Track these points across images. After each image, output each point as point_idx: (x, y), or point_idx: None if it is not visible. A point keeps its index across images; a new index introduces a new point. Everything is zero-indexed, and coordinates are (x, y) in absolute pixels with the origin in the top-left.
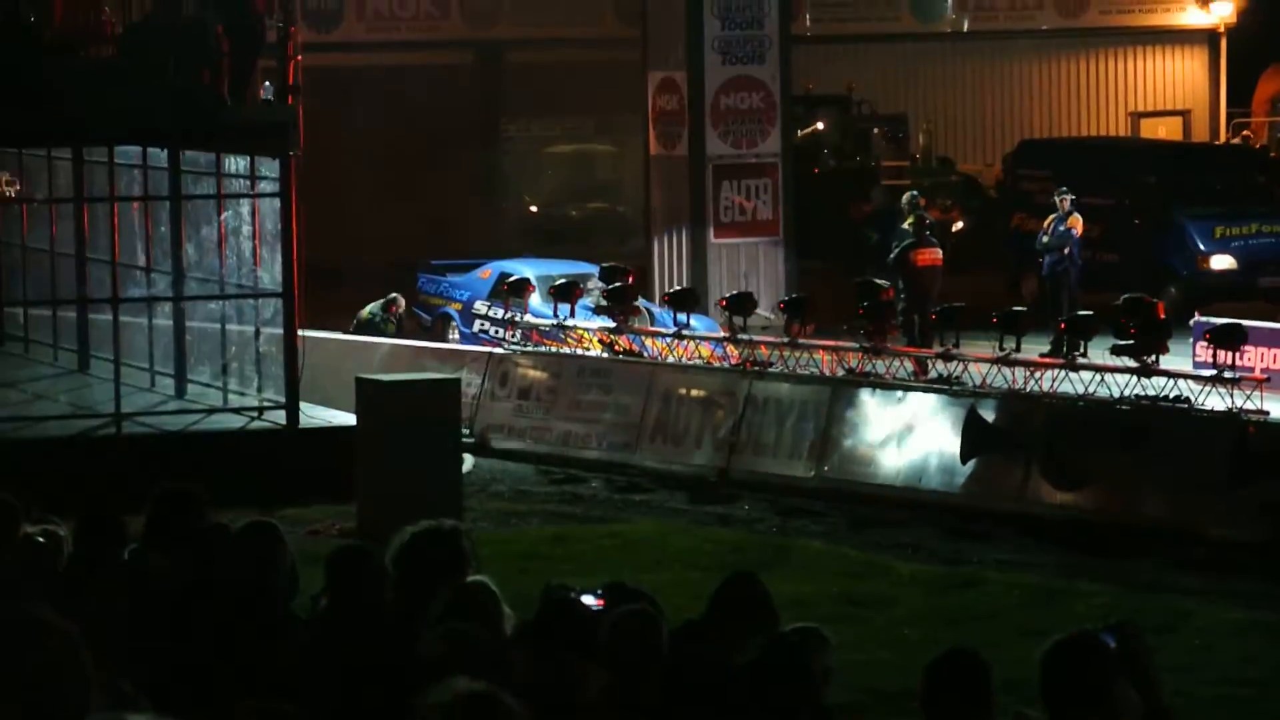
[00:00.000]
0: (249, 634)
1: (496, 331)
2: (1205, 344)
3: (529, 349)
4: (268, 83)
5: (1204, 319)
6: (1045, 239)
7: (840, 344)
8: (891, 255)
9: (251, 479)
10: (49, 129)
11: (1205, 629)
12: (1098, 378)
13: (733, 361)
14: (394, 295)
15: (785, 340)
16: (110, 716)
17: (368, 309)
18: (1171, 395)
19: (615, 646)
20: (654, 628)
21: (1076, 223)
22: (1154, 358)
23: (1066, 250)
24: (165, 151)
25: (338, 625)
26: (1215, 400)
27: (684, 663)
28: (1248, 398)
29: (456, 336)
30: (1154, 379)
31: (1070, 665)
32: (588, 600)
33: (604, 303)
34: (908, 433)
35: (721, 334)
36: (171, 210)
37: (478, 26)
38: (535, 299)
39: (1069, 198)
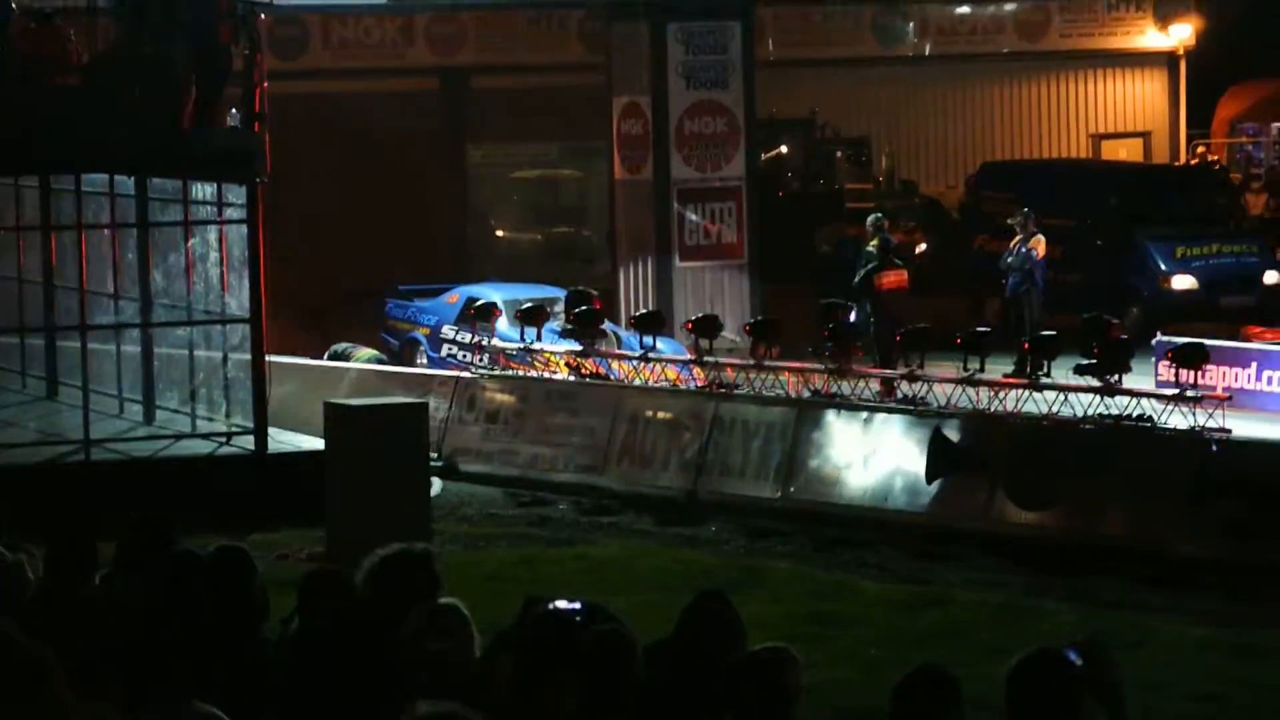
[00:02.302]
0: (220, 658)
1: (464, 356)
2: (1168, 363)
3: (496, 373)
4: (234, 110)
5: (1166, 339)
6: (1009, 260)
7: (806, 366)
8: (857, 278)
9: (220, 504)
10: (16, 158)
11: (1170, 646)
12: (1061, 397)
13: (699, 384)
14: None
15: (751, 363)
16: None
17: (343, 346)
18: (1135, 414)
19: (594, 662)
20: (632, 648)
21: (1039, 244)
22: (1117, 377)
23: (1029, 271)
24: (132, 179)
25: (309, 648)
26: (1178, 419)
27: (658, 684)
28: (1210, 416)
29: (424, 361)
30: (1117, 398)
31: (1036, 683)
32: (563, 605)
33: (570, 326)
34: (873, 453)
35: (688, 357)
36: (139, 237)
37: (443, 53)
38: (502, 323)
39: (1031, 219)
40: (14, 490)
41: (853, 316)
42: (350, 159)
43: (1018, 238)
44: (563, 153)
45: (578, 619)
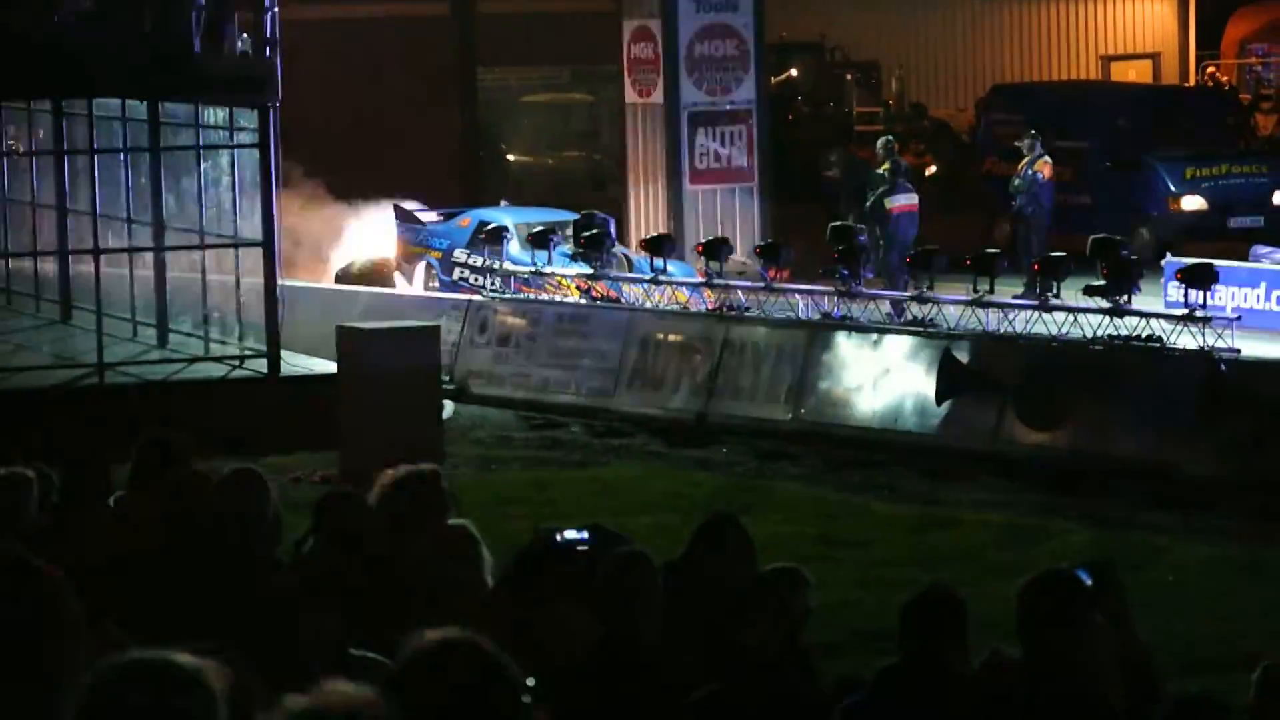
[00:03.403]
0: (233, 578)
1: (476, 279)
2: (1177, 284)
3: (508, 296)
4: (245, 35)
5: (1175, 259)
6: (1016, 182)
7: (816, 288)
8: (868, 203)
9: (234, 427)
10: (29, 82)
11: (1179, 565)
12: (1070, 319)
13: (709, 307)
14: (386, 256)
15: (761, 285)
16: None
17: (358, 264)
18: (1144, 335)
19: (613, 588)
20: (650, 568)
21: (1045, 166)
22: (1126, 298)
23: (1035, 193)
24: (144, 104)
25: (323, 568)
26: (1187, 339)
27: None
28: (1219, 336)
29: (436, 284)
30: (1126, 319)
31: (1046, 602)
32: (571, 535)
33: (581, 249)
34: (883, 375)
35: (698, 279)
36: (151, 162)
37: None
38: (513, 246)
39: (1038, 142)
40: (28, 413)
41: (863, 239)
42: (360, 84)
43: (1025, 160)
44: (573, 76)
45: (583, 548)
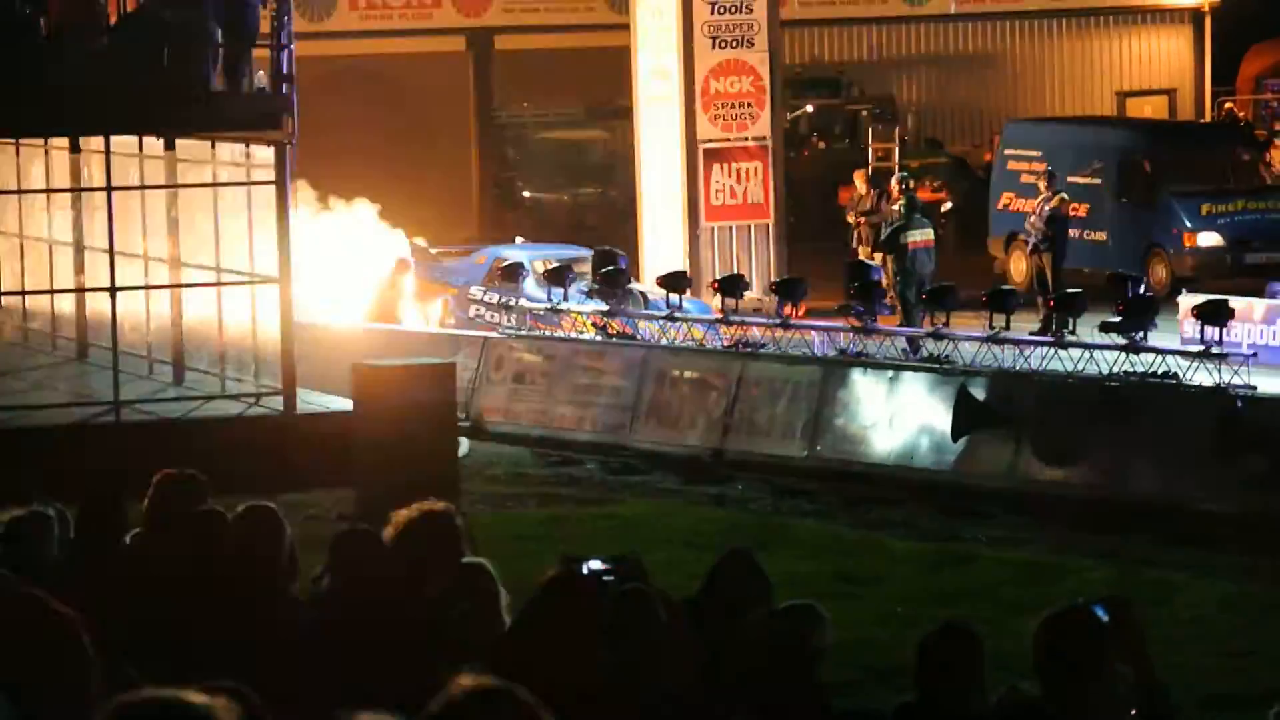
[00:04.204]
0: (250, 616)
1: (491, 316)
2: (1193, 320)
3: (523, 333)
4: (261, 71)
5: (1191, 295)
6: (1032, 218)
7: (832, 324)
8: (883, 238)
9: (250, 465)
10: (45, 119)
11: (1195, 602)
12: (1086, 355)
13: (725, 343)
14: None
15: (777, 321)
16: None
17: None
18: (1160, 371)
19: (615, 626)
20: (649, 603)
21: (1061, 203)
22: (1142, 334)
23: (1052, 229)
24: (161, 140)
25: (340, 606)
26: (1203, 376)
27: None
28: (1235, 373)
29: (452, 321)
30: (1142, 355)
31: (1063, 639)
32: (596, 565)
33: (597, 286)
34: (899, 412)
35: (714, 316)
36: (167, 199)
37: (469, 13)
38: (529, 283)
39: (1055, 178)
40: (45, 451)
41: (878, 275)
42: (377, 120)
43: (1041, 196)
44: (588, 113)
45: (605, 580)
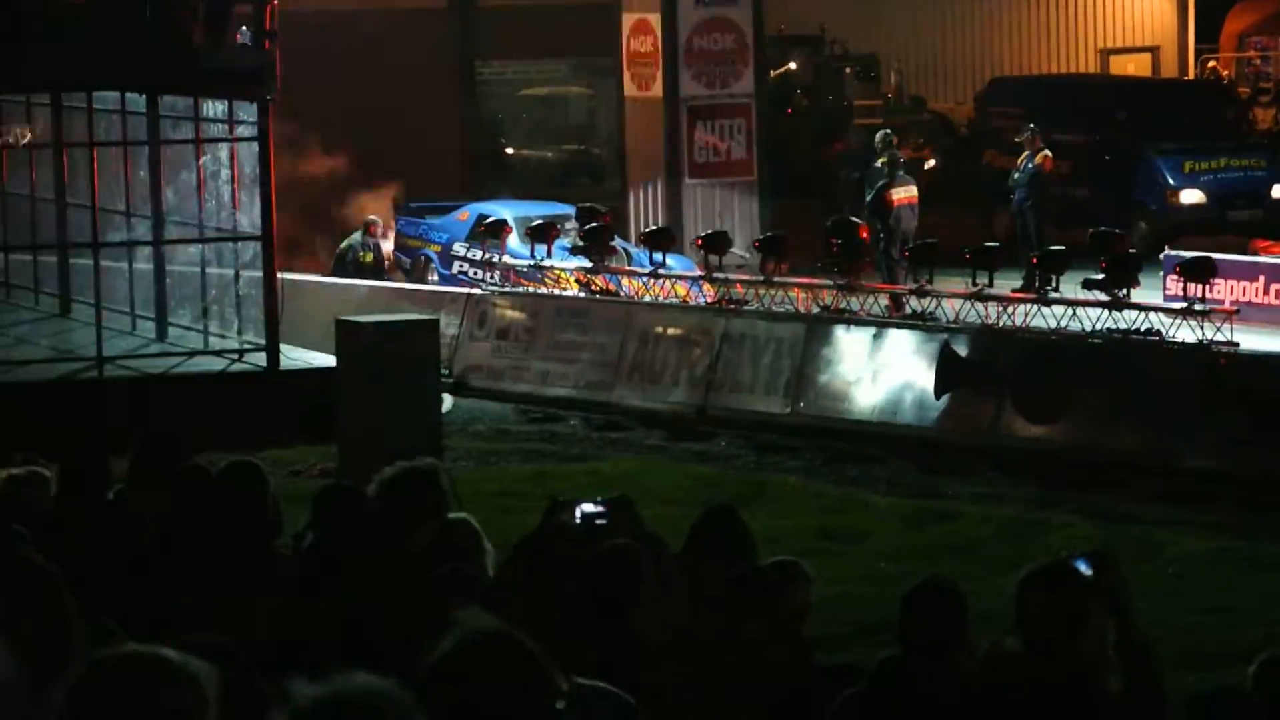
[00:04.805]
0: (233, 573)
1: (475, 273)
2: (1176, 277)
3: (507, 290)
4: (244, 28)
5: (1174, 253)
6: (1016, 175)
7: (815, 281)
8: (868, 198)
9: (233, 421)
10: (28, 75)
11: (1178, 558)
12: (1070, 312)
13: (709, 300)
14: (372, 218)
15: (760, 278)
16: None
17: (346, 240)
18: (1143, 328)
19: (596, 577)
20: (636, 563)
21: (1045, 159)
22: (1125, 292)
23: (1035, 186)
24: (144, 96)
25: (323, 562)
26: (1186, 333)
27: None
28: (1218, 330)
29: (436, 278)
30: (1125, 312)
31: (1045, 593)
32: (589, 508)
33: (580, 243)
34: (882, 368)
35: (697, 273)
36: (150, 155)
37: None
38: (513, 240)
39: (1037, 135)
40: (28, 407)
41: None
42: (359, 77)
43: (1025, 153)
44: (572, 70)
45: (598, 523)
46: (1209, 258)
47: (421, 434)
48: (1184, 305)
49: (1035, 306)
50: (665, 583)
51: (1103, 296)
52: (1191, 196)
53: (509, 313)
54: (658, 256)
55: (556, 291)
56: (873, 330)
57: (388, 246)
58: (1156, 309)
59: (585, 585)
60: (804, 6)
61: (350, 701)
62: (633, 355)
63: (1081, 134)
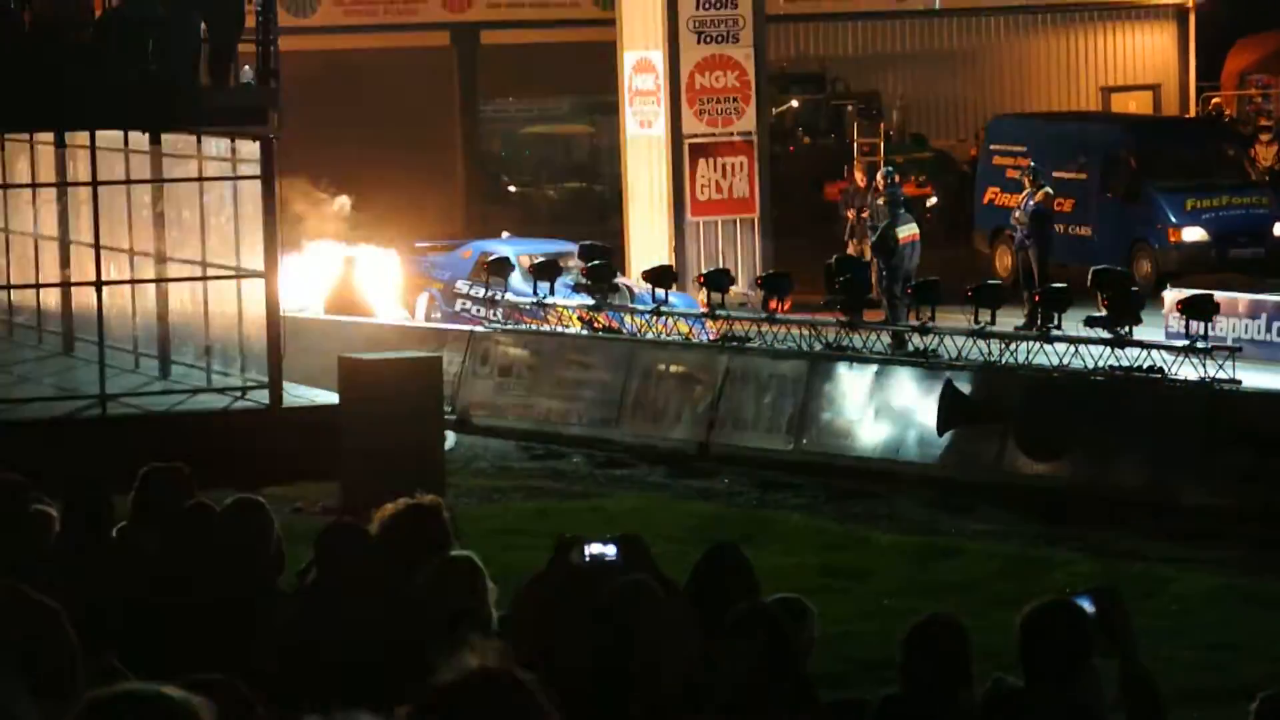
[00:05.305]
0: (236, 610)
1: (478, 310)
2: (1178, 315)
3: (510, 327)
4: (247, 66)
5: (1176, 290)
6: (1017, 213)
7: (818, 318)
8: (873, 238)
9: (236, 458)
10: (31, 114)
11: (1182, 595)
12: (1072, 349)
13: (711, 337)
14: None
15: (763, 316)
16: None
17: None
18: (1145, 366)
19: (614, 614)
20: (653, 599)
21: (1045, 198)
22: (1127, 329)
23: (1036, 224)
24: (146, 135)
25: (326, 600)
26: (1188, 370)
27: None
28: (1220, 367)
29: (438, 316)
30: (1127, 350)
31: (1049, 631)
32: (597, 549)
33: (583, 280)
34: (885, 406)
35: (700, 310)
36: (153, 193)
37: (454, 8)
38: (515, 278)
39: (1040, 173)
40: (31, 445)
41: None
42: (362, 116)
43: (1026, 191)
44: (574, 108)
45: (608, 564)
46: (1211, 295)
47: (424, 471)
48: (1186, 343)
49: (1037, 344)
50: (678, 621)
51: (1105, 334)
52: (1193, 234)
53: (511, 350)
54: (660, 294)
55: (559, 329)
56: (875, 367)
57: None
58: (1158, 346)
59: (602, 620)
60: (806, 44)
61: None
62: (635, 392)
63: (1083, 171)
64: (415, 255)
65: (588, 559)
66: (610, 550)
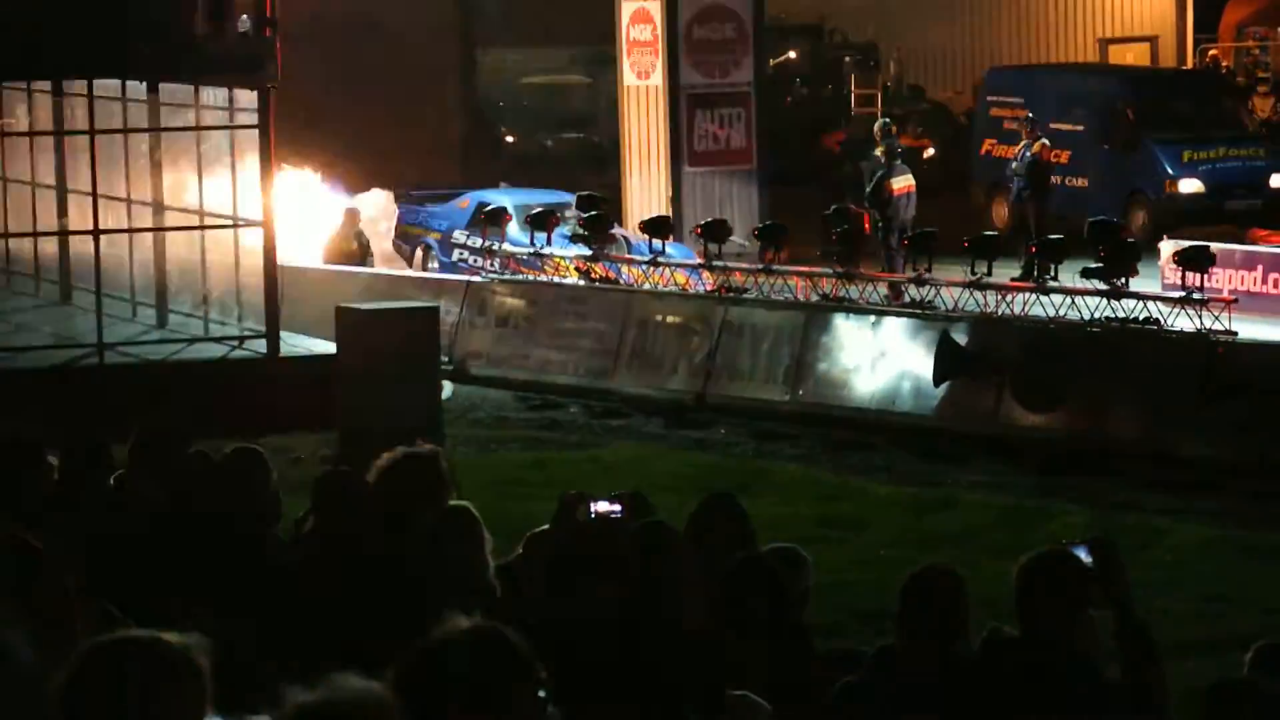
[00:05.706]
0: (232, 557)
1: (475, 260)
2: (1174, 266)
3: (507, 277)
4: (244, 15)
5: (1172, 242)
6: (1014, 165)
7: (814, 269)
8: (868, 189)
9: (233, 407)
10: (29, 63)
11: (1177, 546)
12: (1068, 300)
13: (708, 288)
14: (352, 205)
15: (760, 267)
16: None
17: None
18: (1141, 317)
19: (636, 560)
20: (675, 540)
21: (1042, 149)
22: (1124, 280)
23: (1033, 175)
24: (144, 84)
25: (323, 548)
26: (1185, 322)
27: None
28: (1216, 319)
29: (436, 266)
30: (1124, 301)
31: (1045, 580)
32: (603, 506)
33: (580, 230)
34: (881, 357)
35: (696, 261)
36: (151, 142)
37: None
38: (513, 228)
39: (1036, 125)
40: (29, 394)
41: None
42: (360, 65)
43: (1023, 142)
44: (571, 59)
45: (614, 515)
46: (1207, 247)
47: (421, 421)
48: (1182, 294)
49: (1034, 295)
50: (695, 566)
51: (1101, 285)
52: (1190, 186)
53: (509, 300)
54: (657, 244)
55: (556, 279)
56: (872, 319)
57: (385, 229)
58: (1155, 298)
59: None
60: None
61: (339, 711)
62: (632, 343)
63: (1080, 123)
64: (412, 205)
65: (593, 517)
66: (616, 508)
